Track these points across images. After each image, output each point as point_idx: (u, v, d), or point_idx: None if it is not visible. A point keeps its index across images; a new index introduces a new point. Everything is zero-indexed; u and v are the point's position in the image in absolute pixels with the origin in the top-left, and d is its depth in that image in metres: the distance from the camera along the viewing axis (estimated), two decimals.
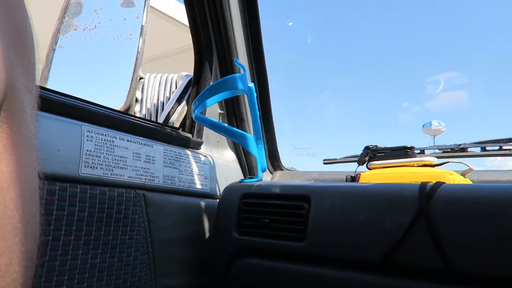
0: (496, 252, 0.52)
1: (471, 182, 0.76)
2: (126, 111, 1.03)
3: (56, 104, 0.61)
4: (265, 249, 0.73)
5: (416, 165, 0.80)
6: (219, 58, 0.98)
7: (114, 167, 0.66)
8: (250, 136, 0.84)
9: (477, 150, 0.99)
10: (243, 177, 1.05)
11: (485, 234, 0.53)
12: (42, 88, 0.65)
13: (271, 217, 0.73)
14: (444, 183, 0.62)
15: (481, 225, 0.54)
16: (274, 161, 1.18)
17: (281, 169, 1.18)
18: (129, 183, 0.69)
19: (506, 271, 0.52)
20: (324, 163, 1.14)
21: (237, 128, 1.01)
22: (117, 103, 1.05)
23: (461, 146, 0.99)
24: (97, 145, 0.64)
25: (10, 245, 0.24)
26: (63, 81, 1.04)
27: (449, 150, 0.99)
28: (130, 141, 0.71)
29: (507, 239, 0.52)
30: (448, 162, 0.80)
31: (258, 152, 0.85)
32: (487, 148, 0.98)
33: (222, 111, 1.03)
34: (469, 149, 0.99)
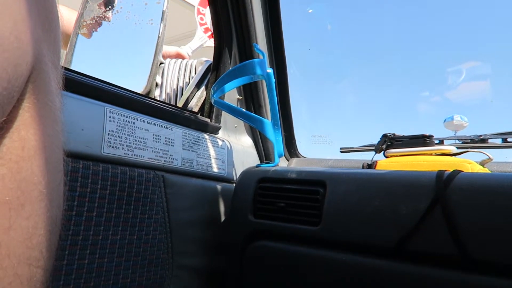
0: (510, 241, 0.52)
1: (490, 172, 0.75)
2: (147, 95, 1.05)
3: (81, 85, 0.63)
4: (280, 232, 0.74)
5: (434, 153, 0.80)
6: (239, 43, 0.99)
7: (134, 148, 0.68)
8: (268, 121, 0.84)
9: (498, 141, 0.97)
10: (259, 163, 1.06)
11: (502, 224, 0.53)
12: (67, 69, 0.67)
13: (287, 201, 0.74)
14: (462, 171, 0.61)
15: (499, 214, 0.54)
16: (291, 148, 1.19)
17: (298, 156, 1.18)
18: (149, 164, 0.71)
19: None
20: (341, 152, 1.13)
21: (255, 114, 1.02)
22: (137, 88, 1.07)
23: (482, 137, 0.98)
24: (119, 126, 0.66)
25: (37, 210, 0.26)
26: (86, 65, 1.07)
27: (469, 140, 0.97)
28: (151, 123, 0.72)
29: None
30: (467, 151, 0.79)
31: (275, 137, 0.85)
32: (508, 139, 0.96)
33: (240, 97, 1.04)
34: (489, 140, 0.97)
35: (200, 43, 1.40)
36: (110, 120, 0.65)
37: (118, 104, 0.68)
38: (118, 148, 0.65)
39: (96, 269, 0.61)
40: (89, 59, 1.11)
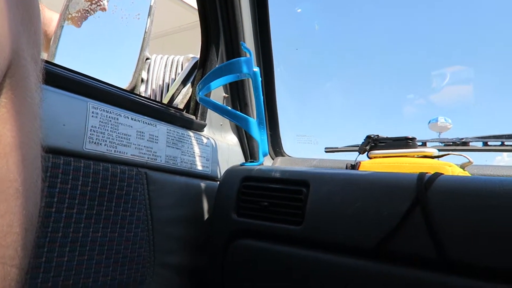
0: (490, 243, 0.53)
1: (470, 175, 0.76)
2: (132, 91, 1.04)
3: (63, 80, 0.62)
4: (262, 231, 0.75)
5: (416, 155, 0.81)
6: (226, 41, 0.98)
7: (117, 144, 0.67)
8: (253, 120, 0.84)
9: (479, 144, 0.99)
10: (244, 161, 1.06)
11: (480, 226, 0.54)
12: (50, 63, 0.65)
13: (270, 200, 0.74)
14: (443, 174, 0.62)
15: (477, 217, 0.55)
16: (276, 147, 1.19)
17: (283, 155, 1.18)
18: (132, 160, 0.70)
19: (499, 262, 0.52)
20: (326, 151, 1.14)
21: (241, 112, 1.02)
22: (122, 83, 1.05)
23: (463, 140, 1.00)
24: (102, 122, 0.65)
25: (12, 207, 0.25)
26: (70, 58, 1.05)
27: (451, 143, 0.99)
28: (134, 120, 0.71)
29: (502, 232, 0.53)
30: (448, 154, 0.81)
31: (260, 136, 0.85)
32: (489, 143, 0.98)
33: (226, 95, 1.04)
34: (471, 143, 0.99)
35: None
36: (92, 116, 0.64)
37: (102, 100, 0.67)
38: (100, 144, 0.65)
39: (76, 266, 0.60)
40: (74, 53, 1.10)
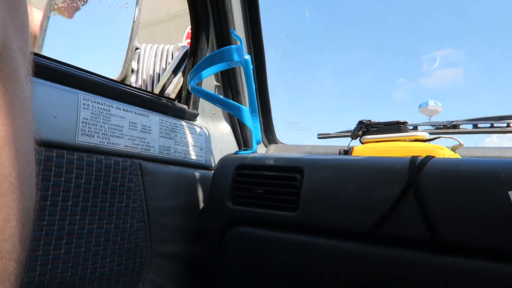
0: (480, 223, 0.54)
1: (460, 157, 0.77)
2: (122, 82, 1.03)
3: (53, 72, 0.61)
4: (258, 219, 0.75)
5: (408, 139, 0.82)
6: (216, 29, 0.98)
7: (110, 135, 0.67)
8: (245, 108, 0.84)
9: (469, 127, 1.00)
10: (238, 149, 1.06)
11: (471, 207, 0.55)
12: (39, 55, 0.64)
13: (265, 188, 0.75)
14: (434, 157, 0.63)
15: (468, 198, 0.56)
16: (269, 135, 1.19)
17: (276, 143, 1.19)
18: (125, 152, 0.70)
19: (489, 242, 0.54)
20: (318, 138, 1.15)
21: (233, 100, 1.01)
22: (112, 74, 1.04)
23: (454, 123, 1.01)
24: (94, 114, 0.65)
25: (8, 201, 0.25)
26: (58, 49, 1.03)
27: (442, 126, 1.00)
28: (126, 111, 0.71)
29: (491, 212, 0.54)
30: (439, 137, 0.82)
31: (253, 124, 0.85)
32: (478, 125, 1.00)
33: (218, 83, 1.04)
34: (461, 126, 1.00)
35: None
36: (84, 108, 0.63)
37: (92, 91, 0.66)
38: (93, 136, 0.64)
39: (73, 259, 0.61)
40: (61, 44, 1.08)
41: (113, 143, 0.68)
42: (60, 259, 0.59)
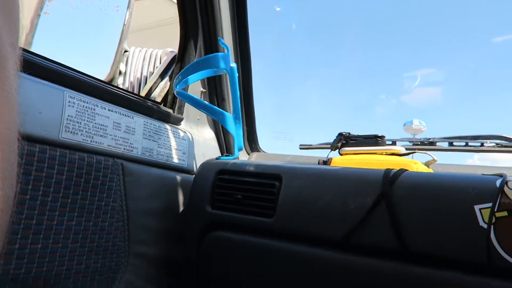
0: (445, 235, 0.57)
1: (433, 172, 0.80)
2: (109, 82, 1.04)
3: (41, 68, 0.62)
4: (236, 223, 0.77)
5: (384, 153, 0.84)
6: (204, 36, 1.00)
7: (94, 134, 0.68)
8: (229, 114, 0.86)
9: (445, 144, 1.04)
10: (220, 155, 1.08)
11: (439, 219, 0.58)
12: (28, 51, 0.65)
13: (244, 193, 0.76)
14: (407, 170, 0.66)
15: (436, 211, 0.58)
16: (252, 143, 1.21)
17: (258, 151, 1.21)
18: (108, 151, 0.71)
19: (456, 254, 0.56)
20: (300, 148, 1.17)
21: (218, 107, 1.03)
22: (100, 74, 1.05)
23: (430, 140, 1.05)
24: (79, 112, 0.66)
25: None
26: (47, 47, 1.04)
27: (419, 143, 1.04)
28: (111, 111, 0.72)
29: (459, 225, 0.56)
30: (414, 152, 0.85)
31: (236, 131, 0.87)
32: (454, 143, 1.04)
33: (204, 90, 1.05)
34: (437, 143, 1.04)
35: None
36: (69, 105, 0.64)
37: (79, 90, 0.67)
38: (76, 133, 0.65)
39: (50, 254, 0.61)
40: (51, 42, 1.09)
41: (96, 142, 0.69)
42: (37, 253, 0.59)
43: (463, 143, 1.02)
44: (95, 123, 0.68)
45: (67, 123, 0.63)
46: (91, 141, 0.68)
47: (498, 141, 0.96)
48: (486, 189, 0.56)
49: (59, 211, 0.62)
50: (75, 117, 0.65)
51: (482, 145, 1.01)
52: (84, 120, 0.66)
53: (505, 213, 0.53)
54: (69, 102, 0.64)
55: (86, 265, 0.67)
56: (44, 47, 1.03)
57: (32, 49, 1.01)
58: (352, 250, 0.65)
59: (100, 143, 0.69)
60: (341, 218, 0.65)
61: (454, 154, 1.04)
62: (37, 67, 0.62)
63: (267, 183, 0.74)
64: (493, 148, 0.97)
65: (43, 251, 0.60)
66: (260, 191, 0.75)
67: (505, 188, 0.54)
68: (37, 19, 1.02)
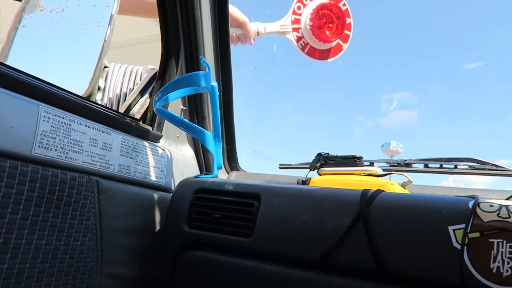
0: (423, 257, 0.58)
1: (409, 193, 0.82)
2: (87, 98, 1.02)
3: (15, 82, 0.61)
4: (213, 243, 0.75)
5: (362, 174, 0.85)
6: (186, 54, 1.00)
7: (69, 150, 0.67)
8: (209, 133, 0.86)
9: (421, 166, 1.07)
10: (199, 174, 1.07)
11: (415, 240, 0.59)
12: (3, 64, 0.64)
13: (222, 212, 0.76)
14: (384, 191, 0.67)
15: (412, 231, 0.59)
16: (232, 162, 1.21)
17: (238, 170, 1.20)
18: (83, 168, 0.69)
19: (430, 274, 0.57)
20: (280, 168, 1.18)
21: (198, 125, 1.03)
22: (78, 90, 1.03)
23: (407, 162, 1.07)
24: (54, 127, 0.64)
25: None
26: (23, 61, 1.02)
27: (396, 164, 1.06)
28: (88, 127, 0.71)
29: (433, 245, 0.57)
30: (391, 173, 0.86)
31: (215, 149, 0.87)
32: (429, 165, 1.06)
33: (184, 107, 1.05)
34: (413, 165, 1.06)
35: (277, 29, 1.25)
36: (44, 120, 0.63)
37: (55, 104, 0.66)
38: (50, 149, 0.63)
39: (16, 275, 0.58)
40: (28, 56, 1.07)
41: (71, 158, 0.67)
42: (2, 274, 0.56)
43: (438, 165, 1.05)
44: (70, 139, 0.67)
45: (41, 139, 0.62)
46: (65, 157, 0.66)
47: (471, 164, 0.99)
48: (459, 210, 0.57)
49: (29, 229, 0.60)
50: (49, 132, 0.63)
51: (455, 167, 1.03)
52: (59, 135, 0.65)
53: (477, 234, 0.54)
54: (44, 117, 0.63)
55: (55, 286, 0.64)
56: (21, 60, 1.01)
57: (8, 63, 0.99)
58: (329, 270, 0.65)
59: (75, 159, 0.68)
60: (319, 238, 0.65)
61: (430, 176, 1.07)
62: (12, 80, 0.60)
63: (245, 202, 0.74)
64: (466, 170, 1.00)
65: (9, 271, 0.57)
66: (238, 211, 0.74)
67: (477, 210, 0.55)
68: (15, 32, 1.00)
